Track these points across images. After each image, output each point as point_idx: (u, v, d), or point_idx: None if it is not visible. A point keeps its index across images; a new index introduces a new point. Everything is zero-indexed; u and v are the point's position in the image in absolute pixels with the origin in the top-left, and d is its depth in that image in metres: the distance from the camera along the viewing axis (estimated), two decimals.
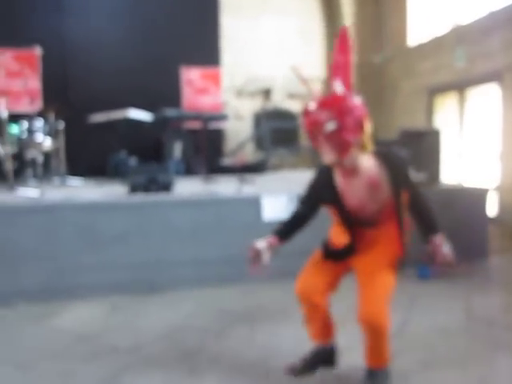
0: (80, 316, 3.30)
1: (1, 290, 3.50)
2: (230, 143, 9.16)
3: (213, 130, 7.50)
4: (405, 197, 1.88)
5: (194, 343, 2.74)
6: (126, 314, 3.32)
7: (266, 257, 1.89)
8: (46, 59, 7.25)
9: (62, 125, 6.03)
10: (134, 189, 4.02)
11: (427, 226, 1.89)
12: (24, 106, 6.73)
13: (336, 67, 1.82)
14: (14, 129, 5.55)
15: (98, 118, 6.36)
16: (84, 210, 3.76)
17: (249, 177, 5.35)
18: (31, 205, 3.74)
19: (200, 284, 3.75)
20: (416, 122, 8.92)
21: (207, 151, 5.97)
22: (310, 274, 1.99)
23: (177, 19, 7.85)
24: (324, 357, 2.08)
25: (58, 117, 5.99)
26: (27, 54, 7.24)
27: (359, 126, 1.73)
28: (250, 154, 8.87)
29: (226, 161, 7.81)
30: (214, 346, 2.68)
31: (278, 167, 8.87)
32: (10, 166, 5.27)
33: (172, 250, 3.76)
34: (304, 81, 1.85)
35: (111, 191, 4.54)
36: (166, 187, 4.10)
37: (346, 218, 1.94)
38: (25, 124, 5.59)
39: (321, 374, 2.12)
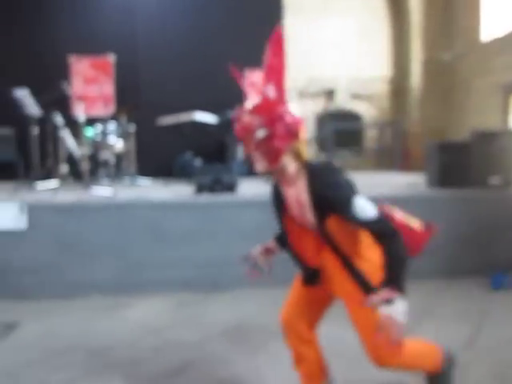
0: (148, 309, 3.46)
1: (77, 282, 3.75)
2: None
3: None
4: (332, 224, 1.64)
5: (257, 341, 2.79)
6: (190, 309, 3.44)
7: (261, 260, 1.97)
8: (119, 65, 7.66)
9: (133, 127, 6.35)
10: (200, 189, 4.16)
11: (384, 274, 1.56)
12: (98, 110, 7.16)
13: (269, 71, 1.69)
14: (90, 131, 5.92)
15: (166, 120, 6.62)
16: (153, 208, 3.94)
17: None
18: (105, 203, 3.98)
19: (262, 284, 3.79)
20: (489, 123, 8.44)
21: None
22: (293, 302, 1.90)
23: (241, 22, 7.98)
24: None
25: (129, 120, 6.32)
26: (102, 62, 7.69)
27: (291, 134, 1.61)
28: (311, 156, 8.84)
29: None
30: (276, 343, 2.72)
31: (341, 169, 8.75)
32: (85, 166, 5.63)
33: (236, 249, 3.83)
34: None
35: (178, 191, 4.71)
36: (231, 188, 4.20)
37: (294, 231, 1.78)
38: (99, 127, 5.94)
39: None
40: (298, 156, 1.66)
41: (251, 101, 1.66)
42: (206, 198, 4.03)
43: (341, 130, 9.79)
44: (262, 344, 2.73)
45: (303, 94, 10.64)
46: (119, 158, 6.28)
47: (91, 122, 6.08)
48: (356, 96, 11.31)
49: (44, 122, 5.72)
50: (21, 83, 5.56)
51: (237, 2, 8.11)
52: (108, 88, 7.61)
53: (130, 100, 6.87)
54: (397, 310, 1.44)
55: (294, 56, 9.16)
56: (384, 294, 1.47)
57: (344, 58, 10.95)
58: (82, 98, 7.15)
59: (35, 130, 5.58)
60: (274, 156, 1.62)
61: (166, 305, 3.56)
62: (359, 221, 1.56)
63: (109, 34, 7.68)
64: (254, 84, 8.23)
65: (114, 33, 7.71)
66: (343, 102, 11.18)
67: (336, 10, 10.94)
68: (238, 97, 7.81)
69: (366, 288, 1.63)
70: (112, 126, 5.99)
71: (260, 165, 1.66)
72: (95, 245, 3.80)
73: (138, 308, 3.49)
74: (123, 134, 6.13)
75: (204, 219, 3.88)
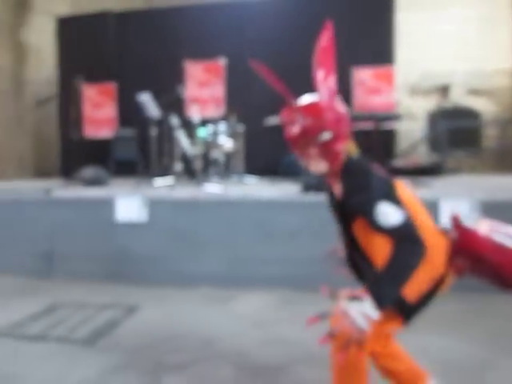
0: (254, 303, 3.57)
1: (190, 272, 4.01)
2: (402, 144, 8.77)
3: (384, 130, 7.29)
4: (359, 228, 1.55)
5: None
6: (294, 306, 3.48)
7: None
8: (229, 68, 7.99)
9: (242, 128, 6.58)
10: (307, 188, 4.17)
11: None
12: (210, 112, 7.54)
13: (320, 70, 1.67)
14: (202, 132, 6.26)
15: (273, 120, 6.75)
16: (260, 206, 4.05)
17: (423, 179, 5.07)
18: (215, 199, 4.18)
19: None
20: None
21: (379, 152, 5.84)
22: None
23: (349, 19, 7.84)
24: None
25: (238, 120, 6.56)
26: (214, 65, 8.08)
27: (348, 134, 1.58)
28: (423, 156, 8.37)
29: (398, 162, 7.51)
30: None
31: (455, 170, 8.17)
32: (198, 164, 5.97)
33: None
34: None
35: (284, 190, 4.79)
36: None
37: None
38: (210, 128, 6.26)
39: None
40: (349, 154, 1.61)
41: (303, 102, 1.65)
42: (313, 197, 4.04)
43: (455, 128, 9.13)
44: None
45: (414, 91, 10.12)
46: (228, 156, 6.55)
47: (203, 122, 6.43)
48: (474, 91, 10.46)
49: (162, 123, 6.19)
50: (143, 88, 6.08)
51: None
52: (219, 90, 7.98)
53: (239, 101, 7.13)
54: (361, 311, 1.35)
55: (405, 51, 8.77)
56: (362, 292, 1.40)
57: (462, 50, 10.19)
58: (196, 101, 7.59)
59: (154, 131, 6.06)
60: (335, 157, 1.58)
61: (271, 300, 3.64)
62: (381, 228, 1.45)
63: (220, 39, 8.05)
64: (362, 82, 8.03)
65: (225, 38, 8.05)
66: (459, 98, 10.41)
67: (454, 1, 10.22)
68: (346, 95, 7.74)
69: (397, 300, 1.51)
70: (222, 126, 6.27)
71: (320, 166, 1.61)
72: (206, 238, 4.02)
73: (244, 301, 3.62)
74: (233, 134, 6.39)
75: (309, 218, 3.89)
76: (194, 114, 6.15)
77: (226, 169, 6.44)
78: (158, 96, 5.95)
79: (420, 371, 1.73)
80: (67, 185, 5.88)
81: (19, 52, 10.84)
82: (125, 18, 8.57)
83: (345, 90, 7.84)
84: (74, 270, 4.30)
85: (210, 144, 6.23)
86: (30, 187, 5.94)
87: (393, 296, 1.41)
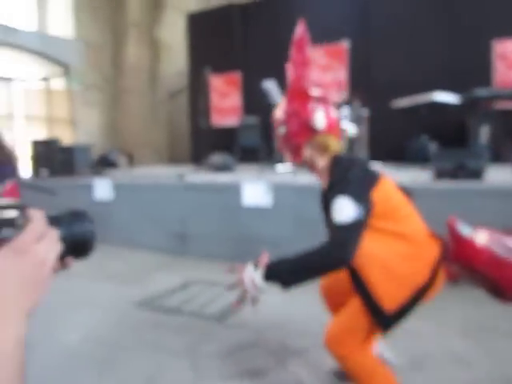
0: None
1: None
2: None
3: None
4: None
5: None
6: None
7: None
8: (353, 51, 7.73)
9: (366, 112, 6.34)
10: (440, 175, 3.87)
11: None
12: (333, 96, 7.40)
13: (294, 65, 1.69)
14: None
15: (403, 103, 6.38)
16: None
17: None
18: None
19: None
20: None
21: None
22: None
23: None
24: None
25: (362, 104, 6.33)
26: (336, 49, 7.88)
27: (307, 129, 1.60)
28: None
29: None
30: None
31: None
32: None
33: None
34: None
35: (414, 176, 4.50)
36: (476, 174, 3.77)
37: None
38: None
39: None
40: (325, 149, 1.63)
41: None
42: (447, 184, 3.73)
43: None
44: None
45: None
46: (352, 142, 6.37)
47: None
48: None
49: None
50: (266, 76, 6.17)
51: None
52: (342, 74, 7.78)
53: (363, 84, 6.86)
54: (254, 280, 1.52)
55: None
56: (259, 267, 1.53)
57: None
58: (318, 85, 7.50)
59: None
60: (294, 150, 1.67)
61: None
62: (333, 220, 1.46)
63: (343, 22, 7.81)
64: (504, 55, 7.19)
65: (348, 20, 7.79)
66: None
67: None
68: (481, 72, 7.00)
69: (369, 301, 1.52)
70: (345, 111, 6.10)
71: (287, 157, 1.75)
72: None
73: None
74: (356, 119, 6.19)
75: (443, 207, 3.60)
76: None
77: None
78: (281, 82, 6.01)
79: (389, 374, 1.63)
80: (198, 170, 6.27)
81: (154, 49, 11.79)
82: (249, 10, 8.79)
83: (483, 64, 7.09)
84: (204, 249, 4.58)
85: None
86: (165, 173, 6.46)
87: (280, 281, 1.50)
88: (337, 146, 1.66)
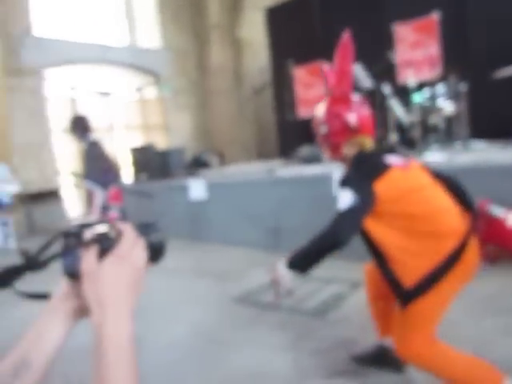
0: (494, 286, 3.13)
1: None
2: None
3: None
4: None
5: None
6: None
7: None
8: (445, 23, 7.15)
9: (464, 87, 5.83)
10: None
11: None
12: (425, 74, 6.91)
13: (338, 73, 1.86)
14: (418, 97, 5.78)
15: (506, 72, 5.76)
16: (493, 174, 3.50)
17: None
18: (439, 169, 3.78)
19: None
20: None
21: None
22: None
23: None
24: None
25: (460, 79, 5.83)
26: (425, 23, 7.35)
27: (348, 130, 1.78)
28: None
29: None
30: None
31: None
32: (416, 133, 5.55)
33: None
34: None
35: None
36: None
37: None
38: (427, 91, 5.72)
39: None
40: (362, 147, 1.81)
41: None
42: None
43: None
44: None
45: None
46: (450, 121, 5.90)
47: (419, 87, 5.92)
48: None
49: (373, 93, 5.95)
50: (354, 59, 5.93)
51: None
52: (433, 49, 7.24)
53: (459, 58, 6.32)
54: (282, 274, 1.72)
55: None
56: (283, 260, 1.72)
57: None
58: (409, 64, 7.06)
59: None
60: (334, 149, 1.86)
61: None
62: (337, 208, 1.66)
63: None
64: None
65: None
66: None
67: None
68: None
69: (396, 286, 1.67)
70: (441, 88, 5.67)
71: (325, 154, 1.97)
72: None
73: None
74: (453, 96, 5.71)
75: None
76: (409, 78, 5.72)
77: (447, 135, 5.82)
78: (367, 66, 5.74)
79: (490, 370, 1.66)
80: (287, 164, 6.24)
81: (236, 48, 11.98)
82: None
83: None
84: (297, 243, 4.52)
85: (428, 109, 5.70)
86: (255, 169, 6.52)
87: (298, 269, 1.73)
88: (370, 144, 1.85)
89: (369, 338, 2.53)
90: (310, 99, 8.41)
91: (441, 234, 1.64)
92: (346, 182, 1.68)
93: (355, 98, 1.88)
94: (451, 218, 1.70)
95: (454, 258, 1.61)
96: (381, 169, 1.71)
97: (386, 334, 2.12)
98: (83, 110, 8.87)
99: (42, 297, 0.69)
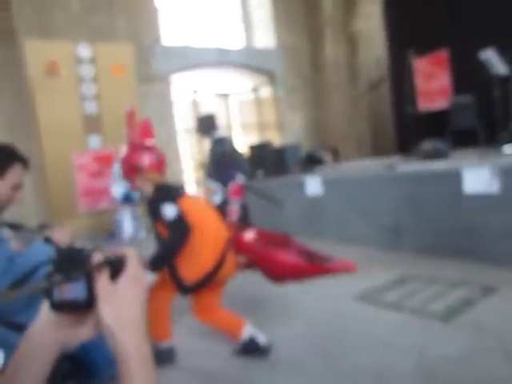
0: None
1: None
2: None
3: None
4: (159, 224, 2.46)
5: None
6: None
7: None
8: None
9: None
10: None
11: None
12: None
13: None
14: None
15: None
16: None
17: None
18: None
19: None
20: None
21: None
22: None
23: None
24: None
25: None
26: None
27: (133, 169, 2.48)
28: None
29: None
30: None
31: None
32: None
33: None
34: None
35: None
36: None
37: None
38: None
39: None
40: (153, 181, 2.49)
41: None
42: None
43: None
44: None
45: None
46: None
47: None
48: None
49: (506, 82, 5.41)
50: (479, 48, 5.45)
51: None
52: None
53: None
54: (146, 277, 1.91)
55: None
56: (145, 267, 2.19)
57: None
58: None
59: (497, 92, 5.37)
60: (130, 181, 2.57)
61: None
62: (165, 220, 2.35)
63: None
64: None
65: None
66: None
67: None
68: None
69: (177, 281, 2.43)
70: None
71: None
72: None
73: None
74: None
75: None
76: None
77: None
78: (502, 51, 5.23)
79: (237, 321, 2.57)
80: (407, 160, 5.96)
81: (351, 42, 11.74)
82: None
83: None
84: (420, 243, 4.32)
85: None
86: (371, 165, 6.35)
87: (157, 267, 2.37)
88: (157, 178, 2.52)
89: (503, 347, 2.34)
90: (431, 91, 7.92)
91: (209, 250, 2.40)
92: (161, 200, 2.37)
93: (148, 146, 2.63)
94: (218, 233, 2.49)
95: (218, 266, 2.40)
96: (178, 196, 2.44)
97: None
98: (208, 110, 9.45)
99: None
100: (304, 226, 5.81)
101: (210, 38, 10.40)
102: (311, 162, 7.70)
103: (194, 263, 2.37)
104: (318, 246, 5.22)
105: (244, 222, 4.64)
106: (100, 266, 0.64)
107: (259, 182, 6.65)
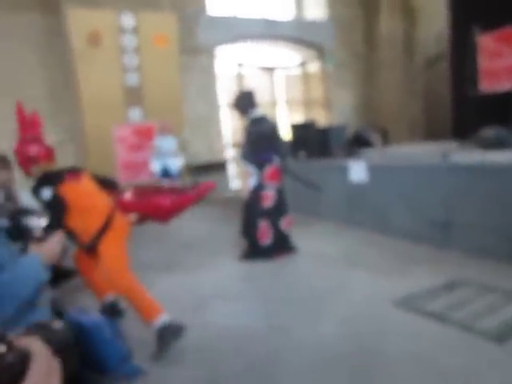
0: None
1: None
2: None
3: None
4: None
5: None
6: None
7: None
8: None
9: None
10: None
11: None
12: None
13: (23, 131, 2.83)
14: None
15: None
16: None
17: None
18: None
19: None
20: None
21: None
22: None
23: None
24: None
25: None
26: None
27: (27, 160, 2.77)
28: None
29: None
30: None
31: None
32: None
33: None
34: None
35: None
36: None
37: None
38: None
39: None
40: (44, 169, 2.80)
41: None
42: None
43: None
44: None
45: None
46: None
47: None
48: None
49: None
50: None
51: None
52: None
53: None
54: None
55: None
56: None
57: None
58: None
59: None
60: (25, 170, 2.84)
61: None
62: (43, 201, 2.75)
63: None
64: None
65: None
66: None
67: None
68: None
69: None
70: None
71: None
72: None
73: None
74: None
75: None
76: None
77: None
78: None
79: (155, 305, 2.69)
80: (463, 148, 5.42)
81: (409, 17, 10.92)
82: None
83: None
84: (474, 243, 3.87)
85: None
86: (423, 151, 5.84)
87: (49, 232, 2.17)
88: (48, 166, 2.82)
89: None
90: (496, 71, 7.18)
91: (97, 213, 2.82)
92: (40, 185, 2.72)
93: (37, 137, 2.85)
94: (101, 203, 2.90)
95: (106, 224, 2.80)
96: (60, 178, 2.79)
97: (102, 295, 3.07)
98: (249, 86, 9.10)
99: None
100: (344, 213, 5.46)
101: (258, 8, 9.94)
102: (358, 144, 7.24)
103: (86, 228, 2.81)
104: (357, 236, 4.90)
105: (280, 207, 4.36)
106: None
107: (300, 164, 6.30)
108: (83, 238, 2.83)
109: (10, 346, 0.47)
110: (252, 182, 4.29)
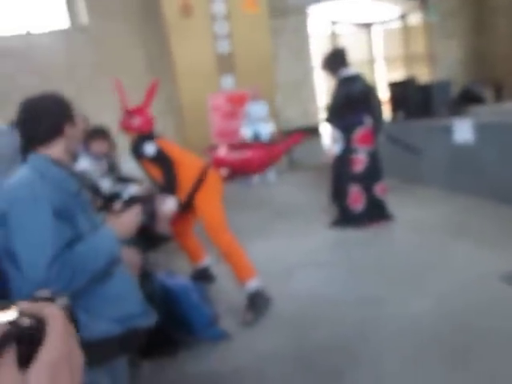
0: None
1: None
2: None
3: None
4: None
5: None
6: None
7: None
8: None
9: None
10: None
11: None
12: None
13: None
14: None
15: None
16: None
17: None
18: None
19: None
20: None
21: None
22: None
23: None
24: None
25: None
26: None
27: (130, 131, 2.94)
28: None
29: None
30: None
31: None
32: None
33: None
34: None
35: None
36: None
37: None
38: None
39: None
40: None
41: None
42: None
43: None
44: None
45: None
46: None
47: None
48: None
49: None
50: None
51: None
52: None
53: None
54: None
55: None
56: None
57: None
58: None
59: None
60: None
61: None
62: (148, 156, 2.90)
63: None
64: None
65: None
66: None
67: None
68: None
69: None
70: None
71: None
72: None
73: None
74: None
75: None
76: None
77: None
78: None
79: (251, 268, 2.74)
80: None
81: None
82: None
83: None
84: None
85: None
86: None
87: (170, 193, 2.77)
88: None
89: None
90: None
91: (191, 168, 2.85)
92: (143, 140, 2.85)
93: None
94: (189, 158, 2.99)
95: (201, 180, 2.83)
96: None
97: (196, 259, 3.22)
98: (344, 45, 8.65)
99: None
100: (447, 178, 4.99)
101: None
102: (466, 101, 6.55)
103: (181, 183, 2.81)
104: (462, 203, 4.46)
105: (374, 172, 4.11)
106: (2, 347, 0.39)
107: (398, 125, 5.87)
108: (179, 195, 2.81)
109: (23, 312, 0.45)
110: (336, 148, 4.07)
